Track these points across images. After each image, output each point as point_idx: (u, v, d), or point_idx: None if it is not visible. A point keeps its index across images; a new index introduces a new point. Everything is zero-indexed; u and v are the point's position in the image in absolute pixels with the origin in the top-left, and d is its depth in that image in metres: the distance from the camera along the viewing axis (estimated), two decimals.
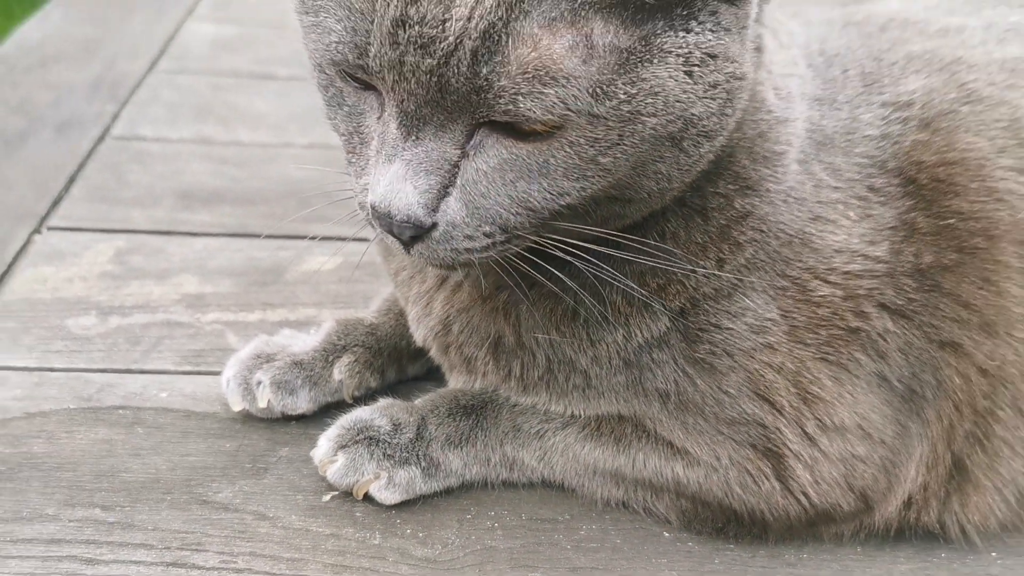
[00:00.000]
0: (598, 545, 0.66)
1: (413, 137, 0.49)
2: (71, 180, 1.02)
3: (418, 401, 0.70)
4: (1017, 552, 0.67)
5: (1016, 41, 0.69)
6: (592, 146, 0.49)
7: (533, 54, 0.46)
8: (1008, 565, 0.66)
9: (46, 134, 1.10)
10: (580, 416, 0.67)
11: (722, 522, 0.66)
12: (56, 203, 0.98)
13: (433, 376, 0.75)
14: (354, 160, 0.55)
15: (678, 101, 0.49)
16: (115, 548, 0.62)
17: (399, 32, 0.46)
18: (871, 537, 0.67)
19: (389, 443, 0.66)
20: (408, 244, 0.52)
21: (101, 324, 0.82)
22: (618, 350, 0.62)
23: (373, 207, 0.51)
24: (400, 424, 0.67)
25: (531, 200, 0.51)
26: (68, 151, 1.07)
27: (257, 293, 0.88)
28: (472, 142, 0.50)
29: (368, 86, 0.51)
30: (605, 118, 0.48)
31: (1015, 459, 0.64)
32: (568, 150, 0.49)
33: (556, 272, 0.56)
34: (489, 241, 0.52)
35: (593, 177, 0.50)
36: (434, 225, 0.51)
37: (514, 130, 0.49)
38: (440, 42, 0.46)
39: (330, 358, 0.74)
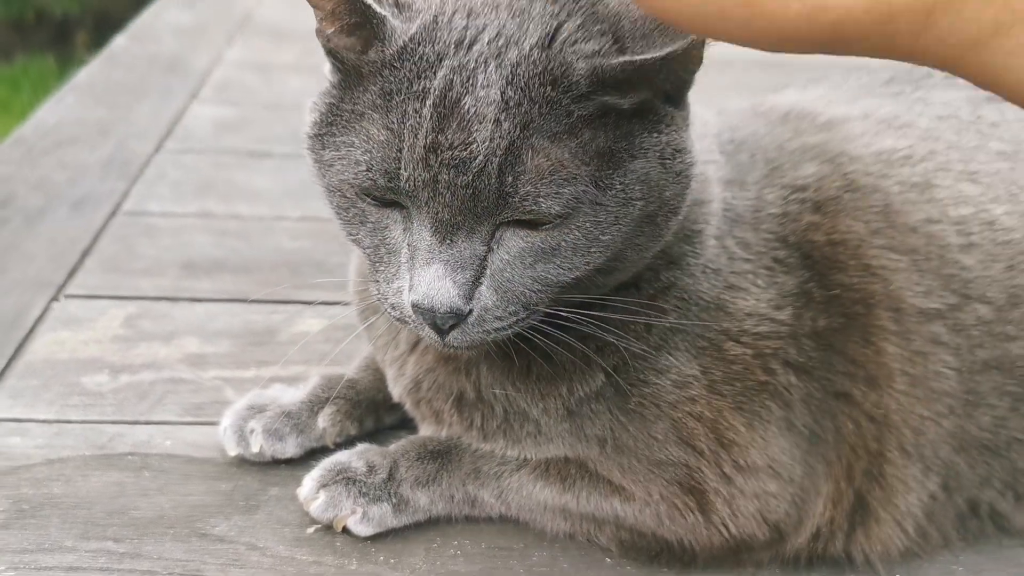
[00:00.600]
0: (548, 569, 0.74)
1: (448, 241, 0.57)
2: (85, 252, 1.12)
3: (392, 446, 0.79)
4: (917, 573, 0.75)
5: (887, 133, 0.79)
6: (595, 228, 0.58)
7: (546, 162, 0.55)
8: None
9: (63, 210, 1.20)
10: (532, 459, 0.75)
11: (656, 551, 0.74)
12: (72, 273, 1.07)
13: (407, 425, 0.84)
14: (382, 268, 0.62)
15: (657, 186, 0.60)
16: (125, 574, 0.71)
17: (431, 157, 0.55)
18: (786, 564, 0.76)
19: (364, 483, 0.75)
20: (445, 333, 0.60)
21: (113, 381, 0.91)
22: (563, 402, 0.71)
23: (416, 305, 0.58)
24: (374, 466, 0.76)
25: (548, 277, 0.59)
26: (83, 226, 1.17)
27: (252, 352, 0.97)
28: (495, 238, 0.58)
29: (390, 203, 0.59)
30: (605, 204, 0.58)
31: (909, 494, 0.73)
32: (576, 232, 0.58)
33: (531, 339, 0.64)
34: (514, 319, 0.60)
35: (596, 252, 0.59)
36: (470, 312, 0.59)
37: (528, 223, 0.58)
38: (471, 161, 0.54)
39: (315, 408, 0.83)
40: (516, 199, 0.55)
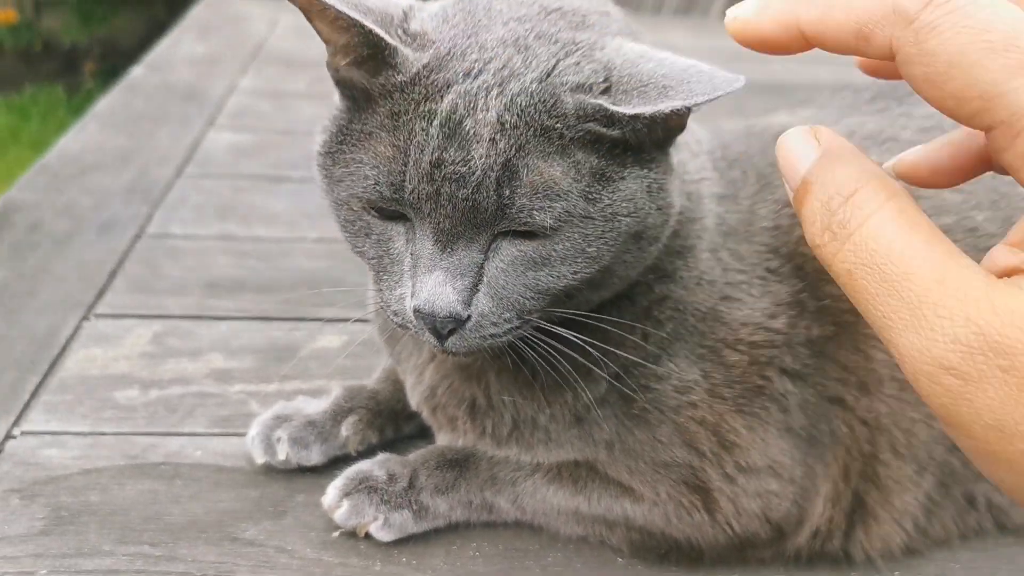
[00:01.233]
0: (562, 569, 0.78)
1: (448, 250, 0.61)
2: (113, 274, 1.16)
3: (411, 455, 0.83)
4: (915, 570, 0.79)
5: (872, 150, 0.83)
6: (583, 240, 0.62)
7: (540, 179, 0.59)
8: None
9: (90, 234, 1.24)
10: (544, 463, 0.79)
11: (665, 550, 0.78)
12: (101, 294, 1.12)
13: (424, 434, 0.87)
14: (385, 277, 0.66)
15: (642, 209, 0.63)
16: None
17: (435, 172, 0.59)
18: (789, 562, 0.79)
19: (386, 491, 0.79)
20: (444, 338, 0.63)
21: (143, 396, 0.95)
22: (570, 408, 0.75)
23: (417, 310, 0.62)
24: (395, 475, 0.80)
25: (539, 285, 0.63)
26: (109, 249, 1.21)
27: (275, 368, 1.01)
28: (491, 247, 0.63)
29: (392, 216, 0.63)
30: (593, 218, 0.62)
31: (905, 494, 0.77)
32: (566, 243, 0.62)
33: (530, 348, 0.68)
34: (509, 326, 0.64)
35: (583, 263, 0.63)
36: (468, 317, 0.63)
37: (522, 234, 0.62)
38: (470, 176, 0.59)
39: (338, 418, 0.87)
40: (512, 211, 0.59)
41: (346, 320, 1.07)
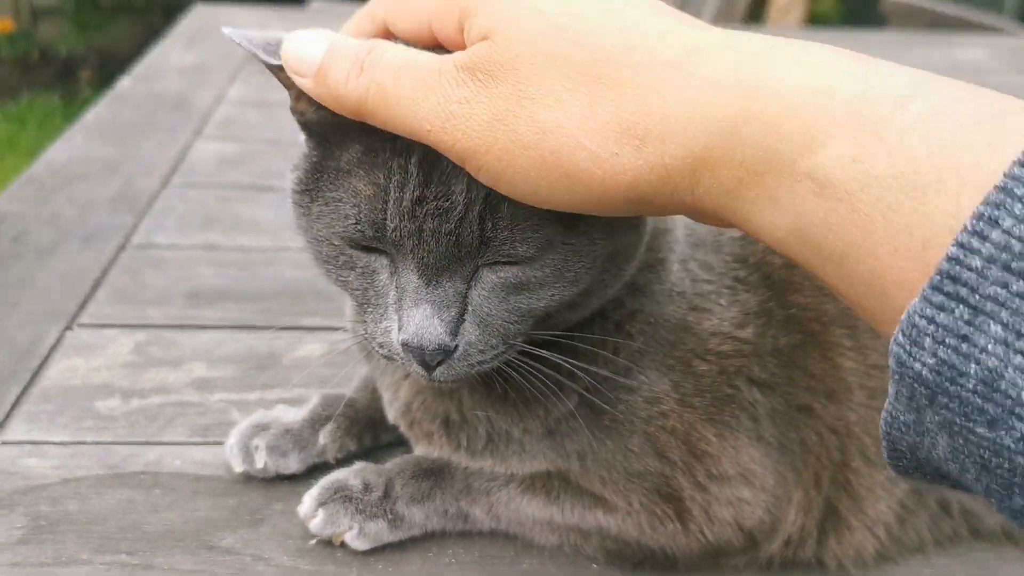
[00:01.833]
0: (537, 575, 0.79)
1: (433, 283, 0.61)
2: (96, 284, 1.16)
3: (387, 464, 0.83)
4: None
5: None
6: (563, 264, 0.63)
7: (520, 210, 0.59)
8: None
9: (74, 245, 1.25)
10: (519, 474, 0.80)
11: (640, 558, 0.79)
12: (84, 304, 1.12)
13: (403, 442, 0.87)
14: (371, 310, 0.65)
15: (616, 230, 0.64)
16: None
17: (417, 209, 0.59)
18: (762, 570, 0.80)
19: (361, 500, 0.79)
20: (432, 368, 0.64)
21: (124, 405, 0.96)
22: (542, 422, 0.75)
23: (406, 344, 0.62)
24: (370, 484, 0.80)
25: (522, 308, 0.63)
26: (93, 259, 1.22)
27: (256, 376, 1.02)
28: (474, 277, 0.63)
29: (375, 251, 0.63)
30: (573, 244, 0.62)
31: (878, 502, 0.78)
32: (547, 269, 0.62)
33: (506, 368, 0.68)
34: (495, 352, 0.64)
35: (563, 287, 0.64)
36: (456, 347, 0.63)
37: (503, 261, 0.62)
38: (452, 211, 0.58)
39: (316, 426, 0.87)
40: (496, 243, 0.60)
41: (328, 329, 1.08)
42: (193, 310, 1.13)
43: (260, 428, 0.87)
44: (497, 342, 0.64)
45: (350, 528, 0.78)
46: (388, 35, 0.61)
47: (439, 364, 0.63)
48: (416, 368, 0.64)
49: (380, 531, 0.78)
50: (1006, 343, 0.36)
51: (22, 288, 1.15)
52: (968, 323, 0.37)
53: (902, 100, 0.42)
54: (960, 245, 0.37)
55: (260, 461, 0.85)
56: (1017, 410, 0.36)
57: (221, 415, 0.95)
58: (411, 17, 0.58)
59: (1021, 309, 0.35)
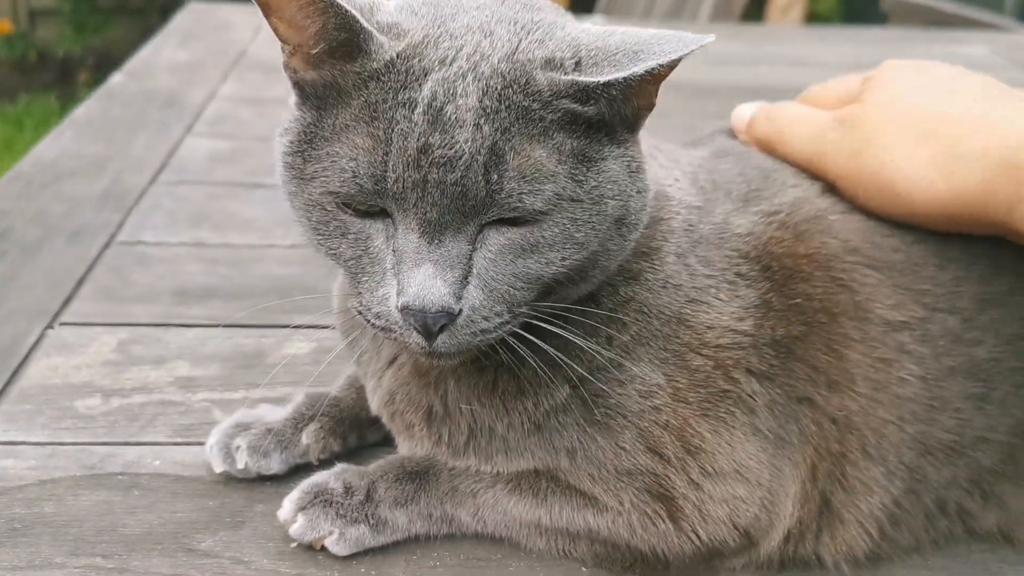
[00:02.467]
0: None
1: (436, 241, 0.60)
2: (80, 282, 1.14)
3: (370, 466, 0.81)
4: None
5: None
6: (572, 224, 0.62)
7: (527, 161, 0.60)
8: None
9: (59, 242, 1.23)
10: (504, 473, 0.77)
11: (630, 561, 0.76)
12: (67, 302, 1.10)
13: (389, 442, 0.85)
14: (365, 279, 0.64)
15: (625, 191, 0.65)
16: None
17: (422, 158, 0.58)
18: (760, 570, 0.78)
19: (342, 504, 0.76)
20: (434, 337, 0.62)
21: (104, 404, 0.94)
22: (529, 416, 0.73)
23: (407, 307, 0.60)
24: (352, 487, 0.78)
25: (529, 273, 0.63)
26: (78, 256, 1.20)
27: (242, 375, 1.00)
28: (479, 238, 0.62)
29: (370, 214, 0.62)
30: (581, 200, 0.62)
31: (871, 496, 0.75)
32: (554, 229, 0.62)
33: (497, 353, 0.68)
34: (499, 320, 0.63)
35: (572, 249, 0.63)
36: (459, 312, 0.61)
37: (510, 221, 0.62)
38: (458, 159, 0.58)
39: (299, 425, 0.85)
40: (502, 196, 0.59)
41: (315, 327, 1.06)
42: (179, 308, 1.11)
43: (242, 428, 0.84)
44: (502, 309, 0.63)
45: (330, 533, 0.75)
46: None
47: (441, 331, 0.61)
48: (415, 339, 0.62)
49: (362, 536, 0.76)
50: None
51: (5, 286, 1.13)
52: None
53: None
54: None
55: (241, 462, 0.82)
56: None
57: (203, 414, 0.93)
58: (825, 101, 0.86)
59: None
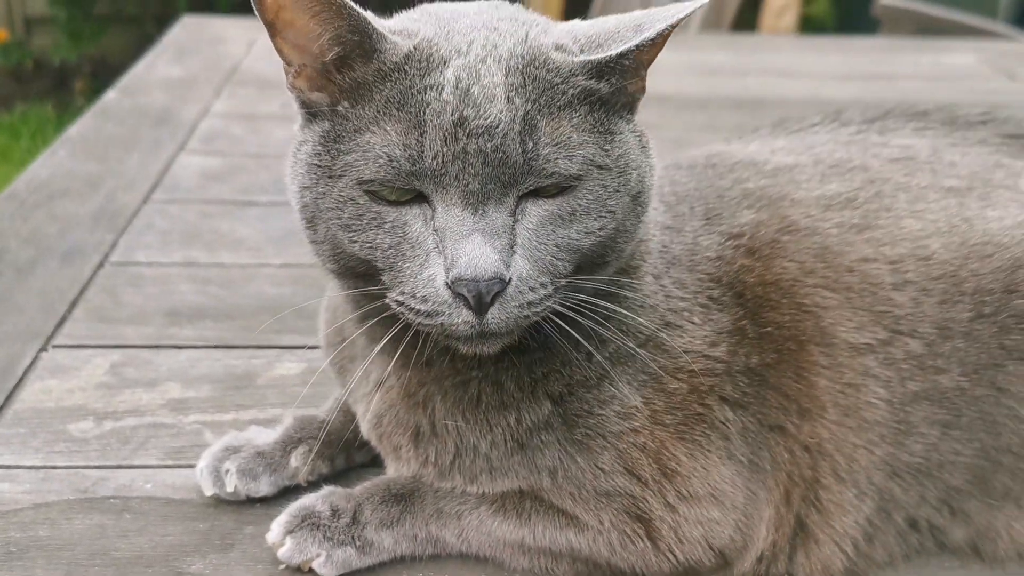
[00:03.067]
0: None
1: (480, 212, 0.63)
2: (74, 303, 1.16)
3: (356, 488, 0.82)
4: None
5: (834, 178, 0.84)
6: (604, 191, 0.66)
7: (558, 130, 0.64)
8: None
9: (53, 262, 1.24)
10: (489, 494, 0.79)
11: None
12: (60, 324, 1.12)
13: (377, 464, 0.87)
14: (406, 266, 0.65)
15: (641, 164, 0.69)
16: None
17: (459, 131, 0.61)
18: None
19: (329, 527, 0.78)
20: (486, 310, 0.63)
21: (97, 427, 0.95)
22: (512, 432, 0.75)
23: (459, 279, 0.61)
24: (339, 510, 0.79)
25: (570, 243, 0.66)
26: (71, 277, 1.21)
27: (232, 397, 1.01)
28: (518, 210, 0.65)
29: (402, 203, 0.64)
30: (610, 168, 0.66)
31: (845, 516, 0.77)
32: (589, 196, 0.66)
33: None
34: (544, 292, 0.65)
35: (606, 218, 0.67)
36: (509, 280, 0.63)
37: (546, 194, 0.65)
38: (496, 127, 0.62)
39: (288, 448, 0.87)
40: (539, 162, 0.62)
41: (304, 347, 1.08)
42: (171, 329, 1.13)
43: (231, 451, 0.86)
44: (546, 280, 0.65)
45: (318, 555, 0.77)
46: None
47: (493, 302, 0.62)
48: (464, 318, 0.63)
49: (349, 558, 0.78)
50: None
51: None
52: None
53: None
54: None
55: (230, 485, 0.84)
56: None
57: (194, 437, 0.95)
58: None
59: None
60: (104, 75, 4.27)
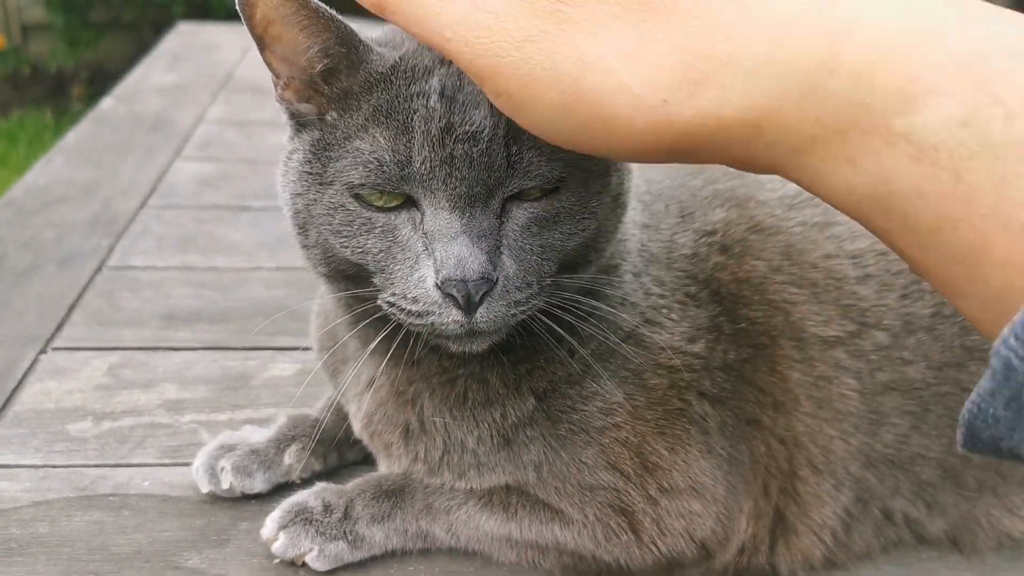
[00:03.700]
0: None
1: (467, 215, 0.64)
2: (72, 307, 1.18)
3: (348, 485, 0.85)
4: None
5: None
6: (585, 193, 0.67)
7: None
8: None
9: (50, 268, 1.27)
10: (477, 489, 0.81)
11: (596, 572, 0.80)
12: (59, 327, 1.14)
13: (369, 461, 0.90)
14: (397, 268, 0.66)
15: (620, 166, 0.70)
16: None
17: (446, 137, 0.62)
18: None
19: (321, 522, 0.81)
20: (475, 309, 0.64)
21: (95, 427, 0.98)
22: (498, 428, 0.77)
23: (447, 280, 0.63)
24: (330, 506, 0.82)
25: (554, 244, 0.67)
26: (69, 282, 1.24)
27: (227, 397, 1.04)
28: (503, 212, 0.66)
29: (391, 208, 0.65)
30: (590, 170, 0.67)
31: (823, 507, 0.80)
32: (571, 198, 0.67)
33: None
34: (530, 292, 0.66)
35: (588, 219, 0.68)
36: (497, 280, 0.64)
37: (527, 196, 0.65)
38: (481, 133, 0.63)
39: (281, 446, 0.89)
40: (523, 165, 0.63)
41: (297, 349, 1.10)
42: (167, 332, 1.15)
43: (226, 449, 0.88)
44: (532, 280, 0.66)
45: (311, 550, 0.79)
46: None
47: (481, 301, 0.64)
48: (454, 317, 0.65)
49: (340, 552, 0.80)
50: None
51: None
52: None
53: (1019, 53, 0.37)
54: None
55: (226, 482, 0.86)
56: None
57: (191, 436, 0.97)
58: None
59: None
60: (101, 81, 4.29)
